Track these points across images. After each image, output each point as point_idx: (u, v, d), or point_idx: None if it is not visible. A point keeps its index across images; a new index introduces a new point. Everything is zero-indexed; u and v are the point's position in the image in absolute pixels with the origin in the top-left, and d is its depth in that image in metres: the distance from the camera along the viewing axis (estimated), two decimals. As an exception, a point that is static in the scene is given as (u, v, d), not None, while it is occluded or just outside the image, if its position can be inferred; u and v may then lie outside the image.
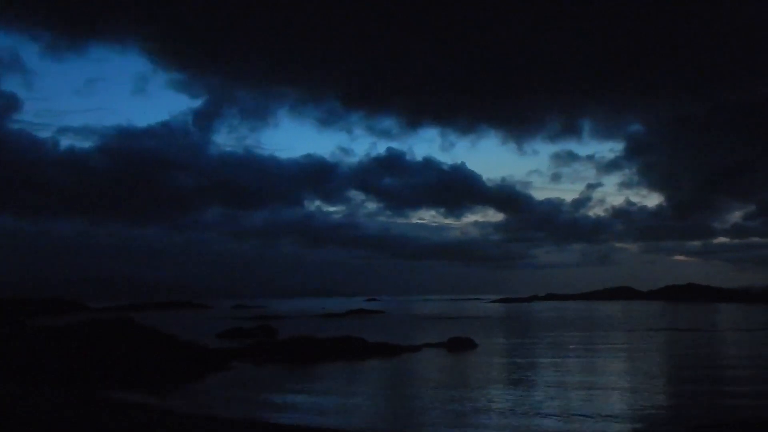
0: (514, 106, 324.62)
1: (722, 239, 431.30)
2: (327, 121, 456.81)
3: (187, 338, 44.63)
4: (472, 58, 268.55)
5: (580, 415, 22.92)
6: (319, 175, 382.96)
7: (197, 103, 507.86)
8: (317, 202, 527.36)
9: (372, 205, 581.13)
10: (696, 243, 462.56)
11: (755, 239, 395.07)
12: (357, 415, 24.33)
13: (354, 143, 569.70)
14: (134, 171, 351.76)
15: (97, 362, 36.01)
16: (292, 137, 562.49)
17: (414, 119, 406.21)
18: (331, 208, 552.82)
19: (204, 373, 37.60)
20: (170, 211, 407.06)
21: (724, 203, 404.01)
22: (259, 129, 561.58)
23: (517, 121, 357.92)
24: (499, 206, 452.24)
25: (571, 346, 50.77)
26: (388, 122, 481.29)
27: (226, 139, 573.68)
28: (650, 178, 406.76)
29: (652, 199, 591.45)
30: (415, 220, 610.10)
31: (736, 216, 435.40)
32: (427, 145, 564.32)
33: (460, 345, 51.36)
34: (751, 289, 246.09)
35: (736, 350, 47.95)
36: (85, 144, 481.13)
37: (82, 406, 22.95)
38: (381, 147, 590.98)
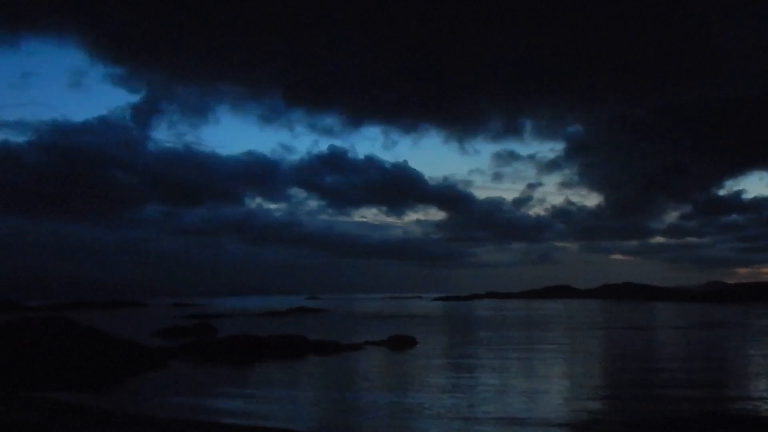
0: (456, 106, 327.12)
1: (659, 239, 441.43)
2: (268, 118, 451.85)
3: (123, 337, 43.78)
4: (414, 57, 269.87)
5: (519, 416, 23.06)
6: (260, 173, 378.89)
7: (136, 98, 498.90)
8: (258, 200, 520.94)
9: (314, 203, 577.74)
10: (633, 242, 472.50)
11: (691, 239, 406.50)
12: (297, 414, 24.12)
13: (296, 140, 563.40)
14: (70, 166, 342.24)
15: (30, 362, 35.04)
16: (233, 134, 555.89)
17: (356, 117, 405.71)
18: (273, 206, 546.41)
19: (140, 372, 36.88)
20: (108, 208, 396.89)
21: (661, 204, 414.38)
22: (199, 125, 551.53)
23: (459, 120, 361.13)
24: (441, 205, 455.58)
25: (510, 345, 51.28)
26: (330, 120, 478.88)
27: (165, 135, 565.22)
28: (590, 179, 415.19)
29: (592, 199, 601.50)
30: (357, 219, 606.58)
31: (672, 216, 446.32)
32: (369, 143, 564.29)
33: (401, 343, 51.50)
34: (687, 288, 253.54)
35: (673, 348, 49.10)
36: (20, 138, 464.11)
37: (10, 405, 22.28)
38: (323, 145, 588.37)
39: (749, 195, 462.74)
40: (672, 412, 23.31)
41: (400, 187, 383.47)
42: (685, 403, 25.21)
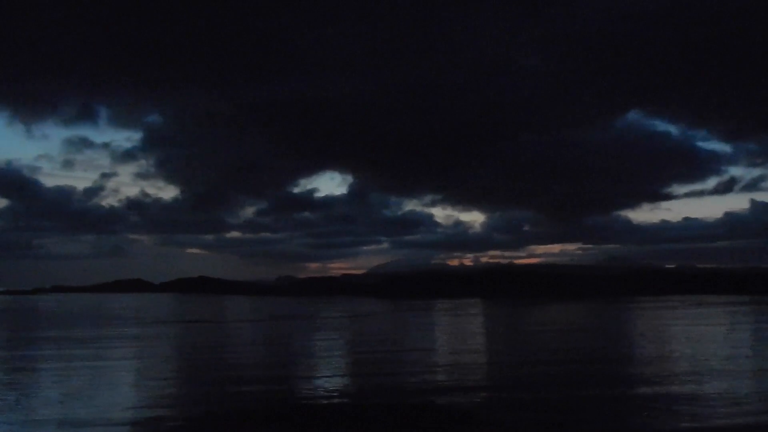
0: (23, 85, 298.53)
1: (235, 234, 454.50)
2: None
3: None
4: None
5: (81, 416, 21.43)
6: None
7: None
8: None
9: None
10: (209, 237, 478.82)
11: (266, 234, 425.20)
12: None
13: None
14: None
15: None
16: None
17: None
18: None
19: None
20: None
21: (238, 199, 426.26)
22: None
23: (26, 101, 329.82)
24: (3, 192, 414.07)
25: (75, 342, 48.26)
26: None
27: None
28: (167, 171, 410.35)
29: (169, 192, 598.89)
30: None
31: (249, 212, 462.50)
32: None
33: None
34: (261, 282, 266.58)
35: (241, 340, 50.70)
36: None
37: None
38: None
39: (321, 193, 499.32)
40: (239, 402, 23.64)
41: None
42: (252, 393, 25.73)
